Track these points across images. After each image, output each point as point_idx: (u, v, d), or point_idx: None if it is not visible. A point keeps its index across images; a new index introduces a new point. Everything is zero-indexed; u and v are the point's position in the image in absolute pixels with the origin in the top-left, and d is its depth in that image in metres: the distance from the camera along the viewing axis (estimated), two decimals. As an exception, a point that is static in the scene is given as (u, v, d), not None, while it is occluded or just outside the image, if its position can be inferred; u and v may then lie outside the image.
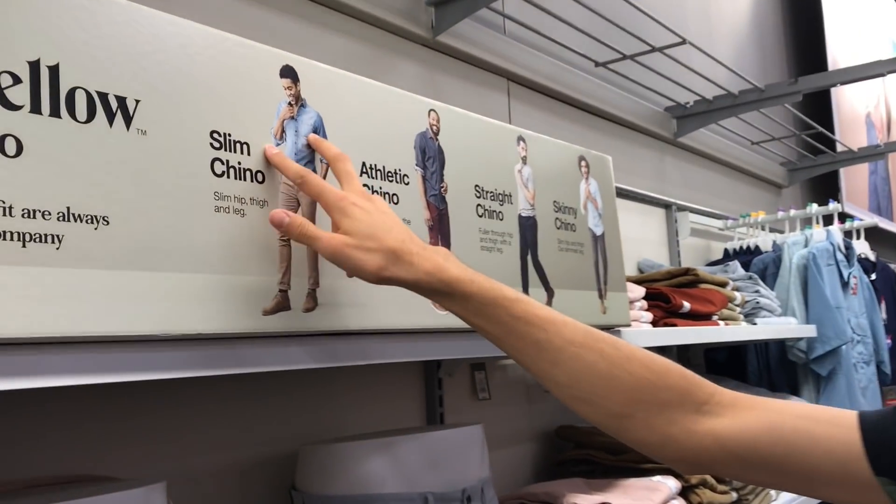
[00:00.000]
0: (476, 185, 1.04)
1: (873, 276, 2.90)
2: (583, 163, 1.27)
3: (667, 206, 2.48)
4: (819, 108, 3.66)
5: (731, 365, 2.44)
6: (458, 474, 1.11)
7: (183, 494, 1.08)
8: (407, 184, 0.93)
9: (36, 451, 0.94)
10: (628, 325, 1.32)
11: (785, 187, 3.49)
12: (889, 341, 2.94)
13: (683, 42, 1.98)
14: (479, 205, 1.04)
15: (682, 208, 2.51)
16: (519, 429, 1.76)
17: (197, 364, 0.70)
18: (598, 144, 2.18)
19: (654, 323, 1.57)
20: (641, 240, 2.38)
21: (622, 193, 2.26)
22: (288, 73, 0.80)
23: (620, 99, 2.28)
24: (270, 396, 1.20)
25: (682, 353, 2.40)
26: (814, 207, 2.63)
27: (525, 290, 1.09)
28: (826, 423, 0.71)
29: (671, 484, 1.46)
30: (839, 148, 3.38)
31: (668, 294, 1.62)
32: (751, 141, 3.02)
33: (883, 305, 2.98)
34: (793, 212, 2.66)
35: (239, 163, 0.74)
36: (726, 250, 2.66)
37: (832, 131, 3.55)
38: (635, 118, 2.35)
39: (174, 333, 0.67)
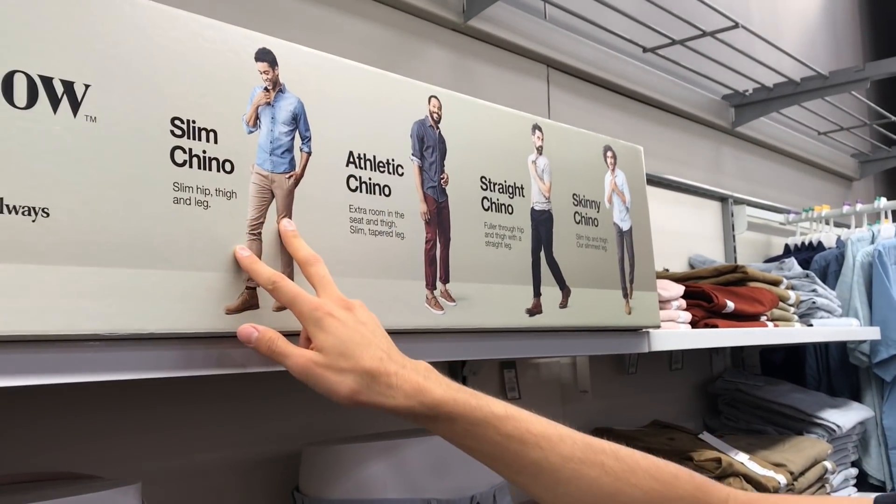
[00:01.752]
0: (482, 177, 0.98)
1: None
2: (609, 153, 1.19)
3: (723, 199, 2.37)
4: (893, 97, 3.45)
5: (788, 367, 2.31)
6: (466, 480, 1.06)
7: (180, 492, 1.05)
8: (401, 175, 0.88)
9: (7, 447, 0.92)
10: (657, 327, 1.24)
11: (856, 180, 3.31)
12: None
13: (736, 26, 1.87)
14: (485, 197, 0.98)
15: (738, 201, 2.39)
16: (552, 430, 1.69)
17: (150, 365, 0.66)
18: (645, 134, 2.09)
19: (695, 324, 1.49)
20: (695, 234, 2.27)
21: (674, 186, 2.16)
22: (264, 56, 0.76)
23: (672, 87, 2.18)
24: (278, 395, 1.17)
25: (735, 355, 2.29)
26: (882, 201, 2.48)
27: (537, 288, 1.03)
28: None
29: (706, 495, 1.38)
30: (916, 139, 3.19)
31: (711, 293, 1.53)
32: (818, 131, 2.86)
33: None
34: (859, 206, 2.51)
35: (204, 151, 0.70)
36: (787, 246, 2.53)
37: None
38: (689, 106, 2.25)
39: (121, 333, 0.63)
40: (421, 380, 0.71)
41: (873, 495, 0.67)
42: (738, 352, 2.28)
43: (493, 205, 0.99)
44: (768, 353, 2.34)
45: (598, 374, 1.79)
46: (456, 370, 1.45)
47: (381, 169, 0.86)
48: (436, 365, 1.43)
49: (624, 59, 1.99)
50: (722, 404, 2.11)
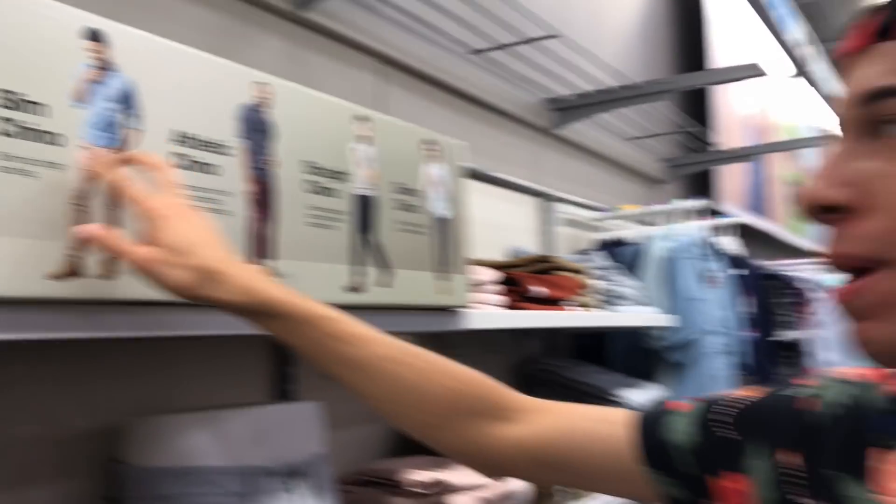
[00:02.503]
0: (308, 161, 1.04)
1: (738, 272, 3.04)
2: (431, 146, 1.29)
3: (540, 195, 2.54)
4: (700, 108, 3.80)
5: (594, 351, 2.52)
6: (284, 450, 1.12)
7: (-6, 464, 1.05)
8: (228, 155, 0.93)
9: None
10: (469, 308, 1.35)
11: (664, 183, 3.62)
12: (750, 335, 3.09)
13: (555, 36, 2.03)
14: (309, 181, 1.04)
15: (556, 198, 2.57)
16: (375, 408, 1.77)
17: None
18: (473, 132, 2.21)
19: (507, 308, 1.62)
20: (515, 227, 2.43)
21: (498, 182, 2.30)
22: (92, 35, 0.79)
23: (498, 88, 2.32)
24: (98, 366, 1.18)
25: (548, 340, 2.47)
26: (681, 202, 2.74)
27: (358, 269, 1.11)
28: (607, 422, 0.77)
29: (511, 463, 1.51)
30: (715, 147, 3.53)
31: (522, 279, 1.66)
32: (630, 136, 3.12)
33: (746, 300, 3.13)
34: (662, 206, 2.76)
35: (33, 124, 0.73)
36: (598, 241, 2.74)
37: (711, 132, 3.70)
38: (513, 108, 2.40)
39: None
40: (257, 279, 0.78)
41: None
42: (550, 337, 2.46)
43: (318, 188, 1.05)
44: (578, 339, 2.54)
45: (420, 355, 1.89)
46: (282, 350, 1.50)
47: (208, 149, 0.90)
48: (256, 342, 1.47)
49: (454, 60, 2.10)
50: (534, 385, 2.28)
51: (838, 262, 0.54)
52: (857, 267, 0.53)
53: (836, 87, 0.59)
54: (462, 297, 1.33)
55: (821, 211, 0.54)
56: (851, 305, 0.54)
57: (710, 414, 0.72)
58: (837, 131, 0.56)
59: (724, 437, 0.70)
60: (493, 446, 0.79)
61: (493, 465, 0.82)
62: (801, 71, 3.15)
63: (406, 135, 1.25)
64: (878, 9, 0.54)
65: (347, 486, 1.44)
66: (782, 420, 0.68)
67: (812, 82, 3.14)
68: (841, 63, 0.57)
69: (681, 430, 0.73)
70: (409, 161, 1.24)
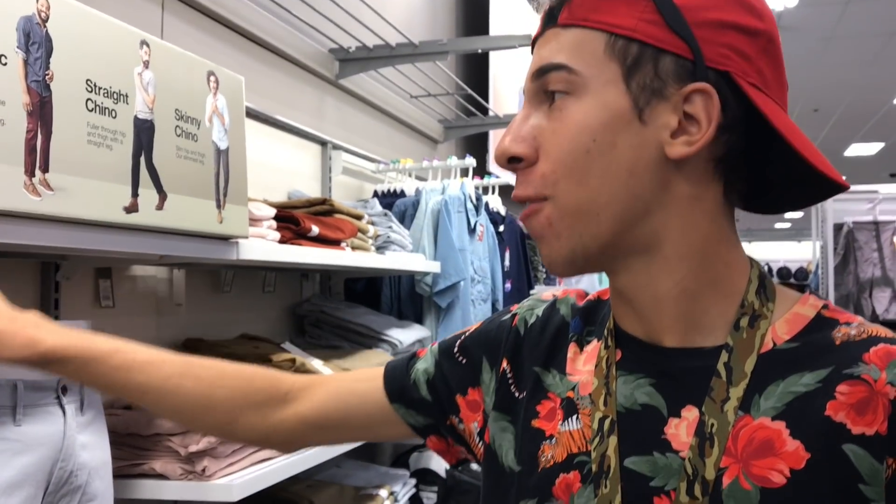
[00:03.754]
0: (88, 80, 1.06)
1: (501, 228, 3.30)
2: (212, 78, 1.33)
3: (323, 143, 2.61)
4: (478, 75, 4.02)
5: (367, 295, 2.66)
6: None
7: None
8: (5, 65, 0.93)
9: None
10: (246, 238, 1.41)
11: (441, 142, 3.81)
12: (509, 285, 3.37)
13: (342, -14, 2.09)
14: (89, 99, 1.06)
15: (337, 147, 2.65)
16: (145, 339, 1.76)
17: None
18: (255, 73, 2.24)
19: (282, 243, 1.68)
20: (296, 172, 2.49)
21: (279, 125, 2.34)
22: None
23: (284, 33, 2.35)
24: None
25: (323, 282, 2.57)
26: (453, 160, 2.93)
27: (135, 190, 1.14)
28: (367, 380, 0.91)
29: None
30: (490, 113, 3.76)
31: (299, 217, 1.74)
32: (411, 94, 3.25)
33: (508, 254, 3.41)
34: (436, 162, 2.93)
35: None
36: (376, 192, 2.86)
37: (486, 97, 3.92)
38: (298, 54, 2.44)
39: None
40: (32, 331, 0.81)
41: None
42: (326, 280, 2.56)
43: (98, 107, 1.07)
44: (351, 283, 2.66)
45: (194, 289, 1.92)
46: (49, 275, 1.48)
47: (-16, 56, 0.90)
48: (53, 266, 1.46)
49: (240, 0, 2.11)
50: (307, 325, 2.37)
51: (521, 201, 0.72)
52: (532, 202, 0.71)
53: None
54: (239, 227, 1.38)
55: (508, 162, 0.71)
56: (531, 232, 0.72)
57: (455, 348, 0.88)
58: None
59: (465, 362, 0.86)
60: (282, 427, 0.89)
61: (286, 443, 0.93)
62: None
63: (192, 65, 1.28)
64: None
65: (114, 409, 1.47)
66: (499, 338, 0.85)
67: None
68: (533, 47, 0.74)
69: (422, 369, 0.87)
70: (193, 91, 1.27)
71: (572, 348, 0.80)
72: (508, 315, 0.86)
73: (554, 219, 0.70)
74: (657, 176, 0.68)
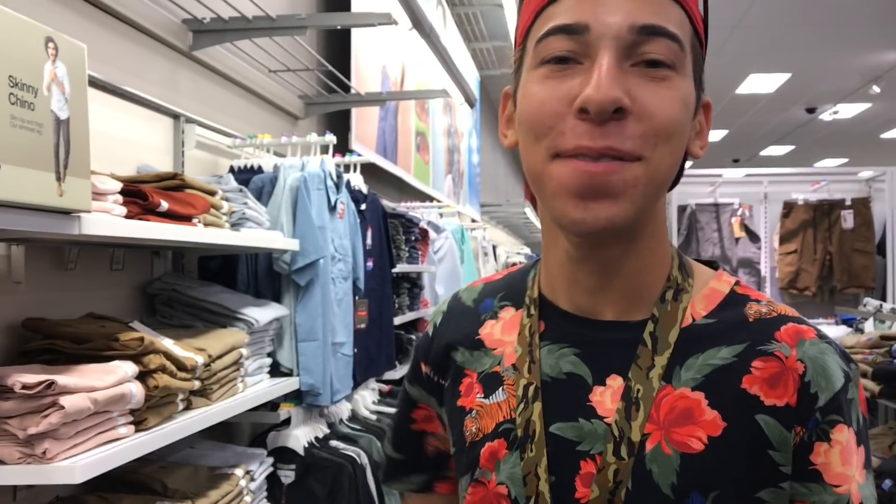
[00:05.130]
0: None
1: (363, 206, 3.30)
2: (50, 44, 1.26)
3: (175, 116, 2.53)
4: (341, 51, 3.99)
5: (223, 274, 2.60)
6: None
7: None
8: None
9: None
10: (88, 212, 1.36)
11: (301, 119, 3.76)
12: (371, 264, 3.38)
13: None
14: None
15: (190, 121, 2.58)
16: (-20, 319, 1.69)
17: None
18: (100, 41, 2.14)
19: (129, 218, 1.63)
20: (146, 146, 2.40)
21: (127, 96, 2.25)
22: None
23: (133, 2, 2.25)
24: None
25: (176, 261, 2.49)
26: (313, 136, 2.90)
27: (-36, 159, 1.08)
28: None
29: (128, 368, 1.55)
30: (352, 90, 3.74)
31: (147, 192, 1.69)
32: (269, 69, 3.19)
33: (370, 232, 3.41)
34: (295, 138, 2.90)
35: None
36: (232, 167, 2.80)
37: (348, 75, 3.90)
38: (148, 23, 2.35)
39: None
40: None
41: None
42: (178, 258, 2.49)
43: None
44: (206, 261, 2.59)
45: (35, 267, 1.83)
46: None
47: None
48: None
49: (84, -38, 2.01)
50: (158, 304, 2.30)
51: (606, 152, 0.68)
52: (617, 158, 0.68)
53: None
54: (82, 201, 1.33)
55: (608, 109, 0.66)
56: (595, 182, 0.67)
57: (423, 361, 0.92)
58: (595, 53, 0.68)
59: (426, 373, 0.91)
60: None
61: None
62: (418, 26, 3.46)
63: (28, 30, 1.21)
64: None
65: (-55, 393, 1.39)
66: (418, 353, 0.92)
67: (431, 39, 3.45)
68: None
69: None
70: (30, 58, 1.21)
71: (489, 324, 0.85)
72: (425, 331, 0.92)
73: (641, 181, 0.69)
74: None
